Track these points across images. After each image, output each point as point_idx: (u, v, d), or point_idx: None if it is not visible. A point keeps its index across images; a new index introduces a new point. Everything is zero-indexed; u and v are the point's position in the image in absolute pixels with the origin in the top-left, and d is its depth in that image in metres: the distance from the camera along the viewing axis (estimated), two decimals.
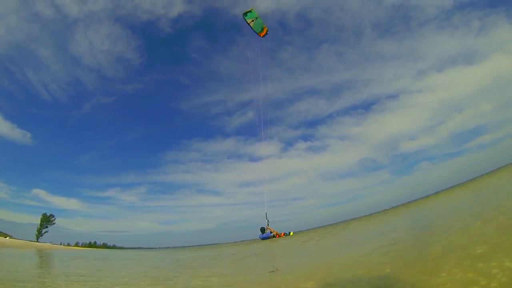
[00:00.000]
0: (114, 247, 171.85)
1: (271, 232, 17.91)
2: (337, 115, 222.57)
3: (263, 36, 13.15)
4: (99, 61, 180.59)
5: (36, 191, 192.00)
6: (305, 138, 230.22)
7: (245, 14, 12.75)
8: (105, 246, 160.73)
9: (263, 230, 17.99)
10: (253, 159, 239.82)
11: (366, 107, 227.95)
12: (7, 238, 16.79)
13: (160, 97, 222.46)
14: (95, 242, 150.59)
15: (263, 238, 17.75)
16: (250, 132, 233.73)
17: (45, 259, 7.11)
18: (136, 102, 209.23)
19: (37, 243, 32.44)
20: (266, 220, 18.13)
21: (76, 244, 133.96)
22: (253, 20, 12.71)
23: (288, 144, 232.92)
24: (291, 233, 18.19)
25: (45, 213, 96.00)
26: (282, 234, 18.18)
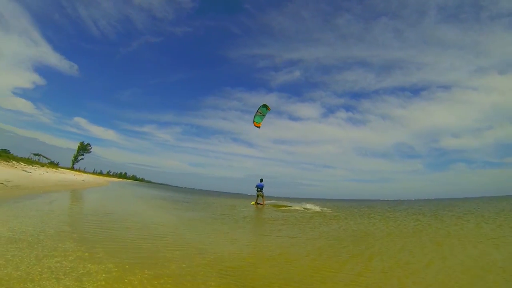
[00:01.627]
0: (142, 179, 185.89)
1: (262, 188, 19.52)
2: (383, 93, 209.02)
3: (256, 127, 15.49)
4: (151, 1, 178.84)
5: (78, 119, 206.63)
6: (347, 108, 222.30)
7: (264, 106, 15.40)
8: (134, 177, 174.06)
9: (261, 180, 20.24)
10: (293, 118, 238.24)
11: (415, 91, 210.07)
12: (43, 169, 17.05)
13: (209, 42, 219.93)
14: (125, 173, 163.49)
15: (258, 186, 19.45)
16: (294, 91, 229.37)
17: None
18: (183, 45, 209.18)
19: (71, 172, 34.12)
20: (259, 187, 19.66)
21: (108, 173, 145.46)
22: (261, 113, 15.40)
23: (330, 111, 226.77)
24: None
25: (82, 142, 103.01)
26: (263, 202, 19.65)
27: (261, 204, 19.65)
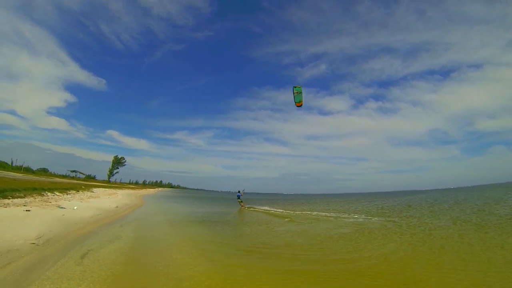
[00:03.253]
0: (178, 186, 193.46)
1: (240, 197, 33.85)
2: (412, 78, 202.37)
3: (298, 106, 17.01)
4: (169, 11, 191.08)
5: (110, 132, 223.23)
6: (377, 98, 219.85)
7: (295, 87, 16.76)
8: (169, 185, 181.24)
9: (238, 191, 34.59)
10: (323, 112, 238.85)
11: (444, 73, 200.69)
12: (75, 207, 17.90)
13: (231, 44, 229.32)
14: (161, 181, 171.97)
15: (237, 195, 34.38)
16: (322, 85, 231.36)
17: None
18: (207, 49, 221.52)
19: (106, 193, 35.91)
20: (243, 190, 34.92)
21: (144, 182, 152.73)
22: (297, 92, 16.74)
23: (359, 102, 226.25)
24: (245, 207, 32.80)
25: (116, 155, 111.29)
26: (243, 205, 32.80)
27: (243, 207, 32.14)
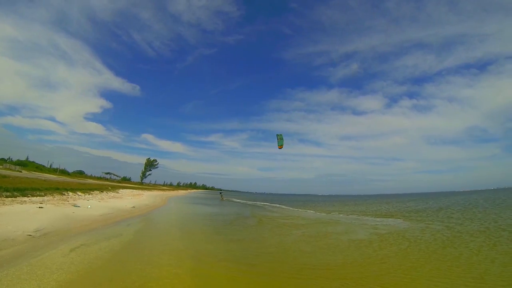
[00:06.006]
0: (212, 188, 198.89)
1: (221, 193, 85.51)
2: (446, 74, 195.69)
3: (279, 148, 21.77)
4: (198, 17, 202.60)
5: (145, 135, 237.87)
6: (410, 95, 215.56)
7: (279, 135, 21.83)
8: (204, 187, 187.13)
9: (220, 189, 63.12)
10: (356, 112, 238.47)
11: (481, 67, 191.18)
12: (89, 206, 19.64)
13: (262, 47, 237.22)
14: (195, 182, 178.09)
15: (220, 192, 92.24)
16: (354, 84, 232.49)
17: None
18: (238, 53, 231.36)
19: (130, 194, 38.27)
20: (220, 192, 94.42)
21: (178, 184, 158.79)
22: (280, 139, 21.64)
23: (392, 100, 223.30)
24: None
25: (149, 158, 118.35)
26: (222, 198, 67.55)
27: (222, 199, 62.26)
